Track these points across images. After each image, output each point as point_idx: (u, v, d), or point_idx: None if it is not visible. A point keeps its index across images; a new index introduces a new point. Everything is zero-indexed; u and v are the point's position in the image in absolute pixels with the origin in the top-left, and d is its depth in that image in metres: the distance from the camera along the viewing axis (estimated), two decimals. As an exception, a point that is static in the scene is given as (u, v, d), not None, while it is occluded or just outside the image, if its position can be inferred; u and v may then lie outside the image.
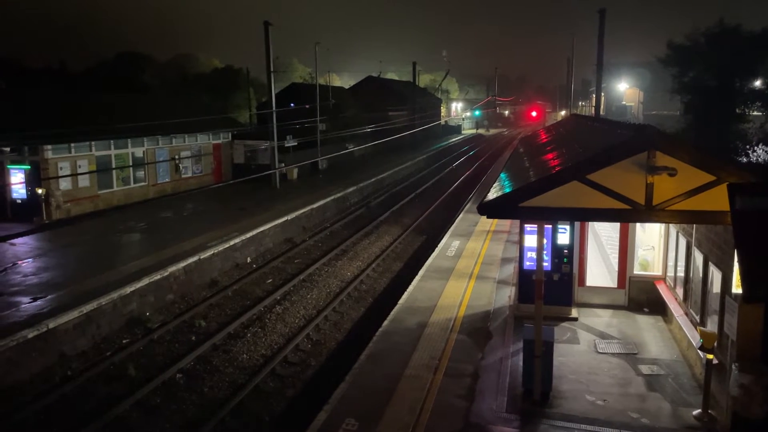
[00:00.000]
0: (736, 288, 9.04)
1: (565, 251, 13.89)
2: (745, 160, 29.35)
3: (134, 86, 54.42)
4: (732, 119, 31.27)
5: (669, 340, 12.74)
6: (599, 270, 16.03)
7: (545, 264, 13.05)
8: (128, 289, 16.42)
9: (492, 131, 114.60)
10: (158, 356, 14.73)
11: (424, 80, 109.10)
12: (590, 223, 15.93)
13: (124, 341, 15.38)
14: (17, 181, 25.90)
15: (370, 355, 12.48)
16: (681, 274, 12.65)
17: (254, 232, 23.35)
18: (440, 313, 14.90)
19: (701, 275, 10.99)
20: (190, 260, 19.20)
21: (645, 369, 11.44)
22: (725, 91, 30.80)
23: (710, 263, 10.48)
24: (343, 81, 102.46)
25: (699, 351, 9.97)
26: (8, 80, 60.03)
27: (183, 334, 16.09)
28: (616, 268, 14.78)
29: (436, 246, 22.33)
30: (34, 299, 15.46)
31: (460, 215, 28.52)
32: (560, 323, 13.56)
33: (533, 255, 13.03)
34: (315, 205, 29.68)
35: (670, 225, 13.36)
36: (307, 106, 42.32)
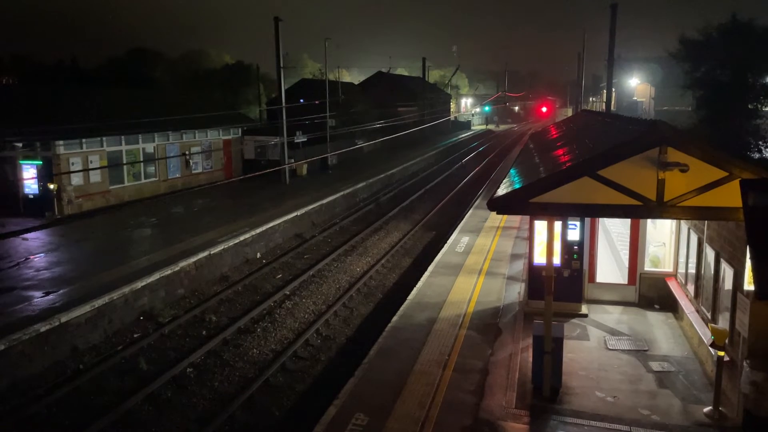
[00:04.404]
0: (748, 285, 8.99)
1: (576, 247, 13.85)
2: (757, 155, 29.12)
3: (145, 82, 54.70)
4: (744, 115, 30.97)
5: (680, 337, 12.68)
6: (609, 266, 15.96)
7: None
8: (139, 284, 16.54)
9: (502, 127, 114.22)
10: (169, 350, 14.83)
11: (434, 76, 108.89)
12: (601, 219, 15.86)
13: (135, 335, 15.49)
14: (29, 176, 26.13)
15: (379, 351, 12.51)
16: (692, 270, 12.57)
17: (264, 227, 23.43)
18: (450, 309, 14.90)
19: (713, 272, 10.93)
20: (201, 255, 19.30)
21: (655, 366, 11.39)
22: (738, 87, 30.49)
23: (722, 260, 10.41)
24: (353, 77, 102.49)
25: (710, 348, 9.92)
26: (20, 76, 60.60)
27: (194, 328, 16.18)
28: (627, 265, 14.71)
29: (446, 242, 22.32)
30: (47, 293, 15.61)
31: (470, 211, 28.48)
32: (570, 320, 13.52)
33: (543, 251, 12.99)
34: (324, 201, 29.73)
35: (682, 221, 13.28)
36: (316, 102, 42.39)
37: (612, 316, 13.94)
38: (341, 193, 32.30)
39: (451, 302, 15.42)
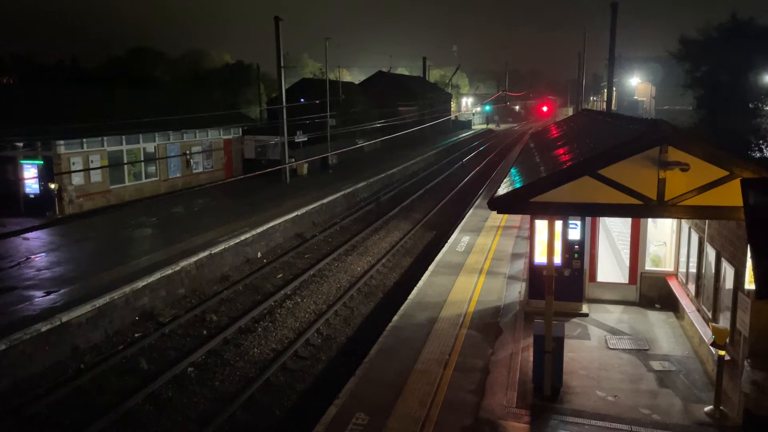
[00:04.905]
0: (749, 284, 8.98)
1: (576, 247, 13.84)
2: (758, 155, 29.12)
3: (145, 82, 54.69)
4: (745, 114, 30.96)
5: (680, 337, 12.67)
6: (610, 266, 15.96)
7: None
8: (140, 284, 16.54)
9: (502, 126, 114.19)
10: (170, 350, 14.83)
11: (434, 75, 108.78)
12: (601, 218, 15.85)
13: (136, 335, 15.50)
14: (30, 176, 26.14)
15: (380, 350, 12.51)
16: (693, 269, 12.57)
17: (265, 227, 23.44)
18: (450, 309, 14.90)
19: (714, 271, 10.92)
20: (201, 255, 19.30)
21: (656, 365, 11.39)
22: (738, 86, 30.51)
23: (723, 259, 10.41)
24: (353, 76, 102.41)
25: (711, 347, 9.92)
26: (21, 76, 60.64)
27: (194, 328, 16.18)
28: (628, 264, 14.70)
29: (446, 241, 22.32)
30: (48, 293, 15.62)
31: (470, 211, 28.47)
32: (571, 319, 13.51)
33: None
34: (325, 201, 29.73)
35: (682, 220, 13.28)
36: (317, 102, 42.38)
37: (613, 315, 13.94)
38: (342, 192, 32.30)
39: (451, 302, 15.42)
